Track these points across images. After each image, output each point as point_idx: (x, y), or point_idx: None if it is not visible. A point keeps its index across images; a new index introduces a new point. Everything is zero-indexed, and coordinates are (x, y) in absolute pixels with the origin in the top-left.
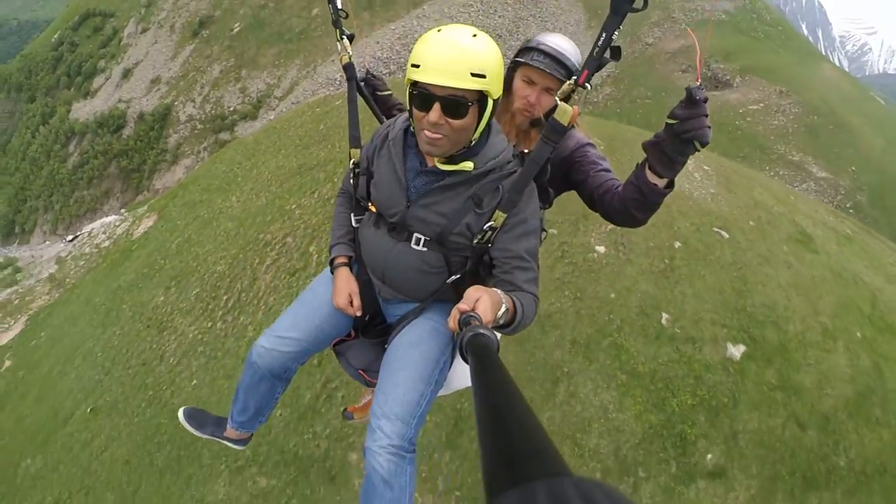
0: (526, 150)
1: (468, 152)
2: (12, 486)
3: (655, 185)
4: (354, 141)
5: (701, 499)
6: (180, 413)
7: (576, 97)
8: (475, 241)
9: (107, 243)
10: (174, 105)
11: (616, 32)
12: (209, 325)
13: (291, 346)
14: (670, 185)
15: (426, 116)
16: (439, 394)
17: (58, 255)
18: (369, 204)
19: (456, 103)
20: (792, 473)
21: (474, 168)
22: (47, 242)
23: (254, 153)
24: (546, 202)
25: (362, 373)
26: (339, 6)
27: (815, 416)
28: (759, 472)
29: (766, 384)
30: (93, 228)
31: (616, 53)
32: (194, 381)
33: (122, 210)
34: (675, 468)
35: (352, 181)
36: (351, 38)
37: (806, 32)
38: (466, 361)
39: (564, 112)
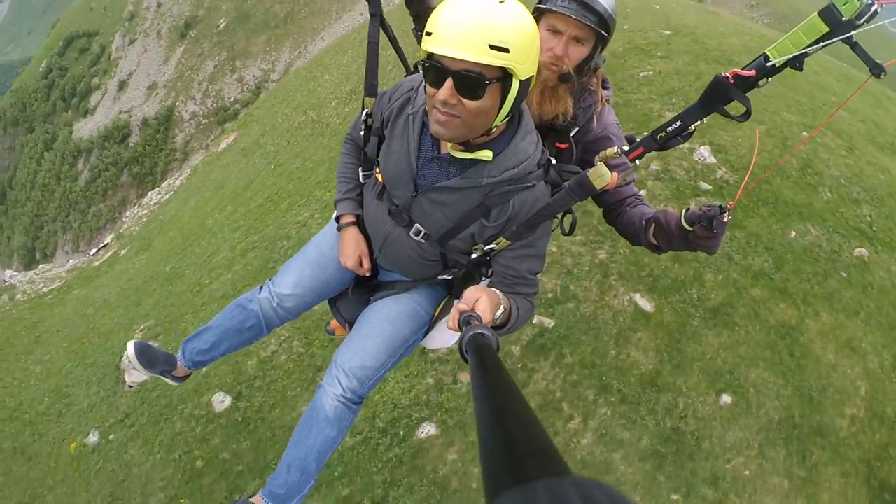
0: (553, 161)
1: (489, 141)
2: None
3: (652, 243)
4: (371, 89)
5: None
6: (130, 347)
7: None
8: (474, 255)
9: (168, 195)
10: (175, 106)
11: (695, 125)
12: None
13: (296, 301)
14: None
15: (437, 93)
16: (419, 343)
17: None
18: (377, 170)
19: (471, 80)
20: None
21: (492, 164)
22: (70, 262)
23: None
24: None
25: (348, 324)
26: None
27: None
28: None
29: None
30: (115, 233)
31: (688, 136)
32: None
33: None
34: None
35: (363, 133)
36: None
37: None
38: (466, 361)
39: (600, 176)
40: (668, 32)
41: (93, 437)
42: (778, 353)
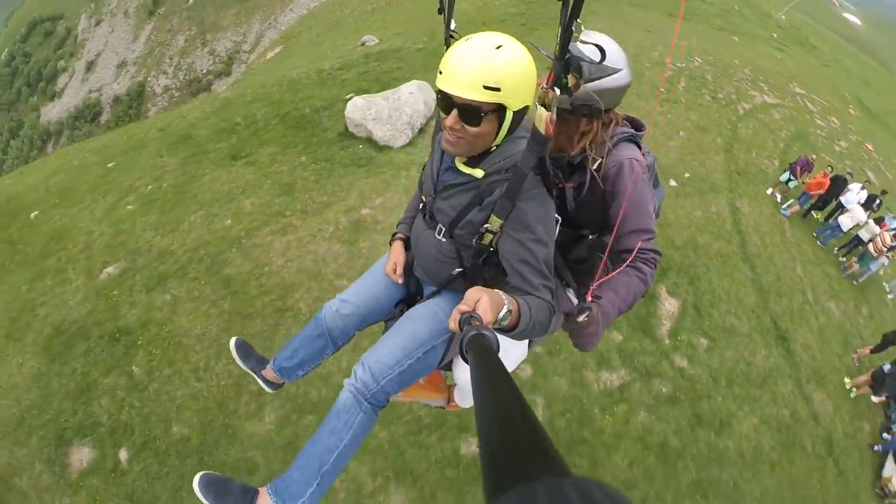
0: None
1: (487, 158)
2: None
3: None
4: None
5: None
6: (231, 341)
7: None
8: (475, 241)
9: None
10: (147, 81)
11: (575, 21)
12: None
13: (350, 309)
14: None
15: (446, 119)
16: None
17: None
18: None
19: (471, 111)
20: None
21: (486, 161)
22: None
23: None
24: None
25: None
26: None
27: None
28: None
29: None
30: None
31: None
32: None
33: None
34: None
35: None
36: None
37: None
38: (466, 361)
39: (538, 117)
40: None
41: None
42: None
